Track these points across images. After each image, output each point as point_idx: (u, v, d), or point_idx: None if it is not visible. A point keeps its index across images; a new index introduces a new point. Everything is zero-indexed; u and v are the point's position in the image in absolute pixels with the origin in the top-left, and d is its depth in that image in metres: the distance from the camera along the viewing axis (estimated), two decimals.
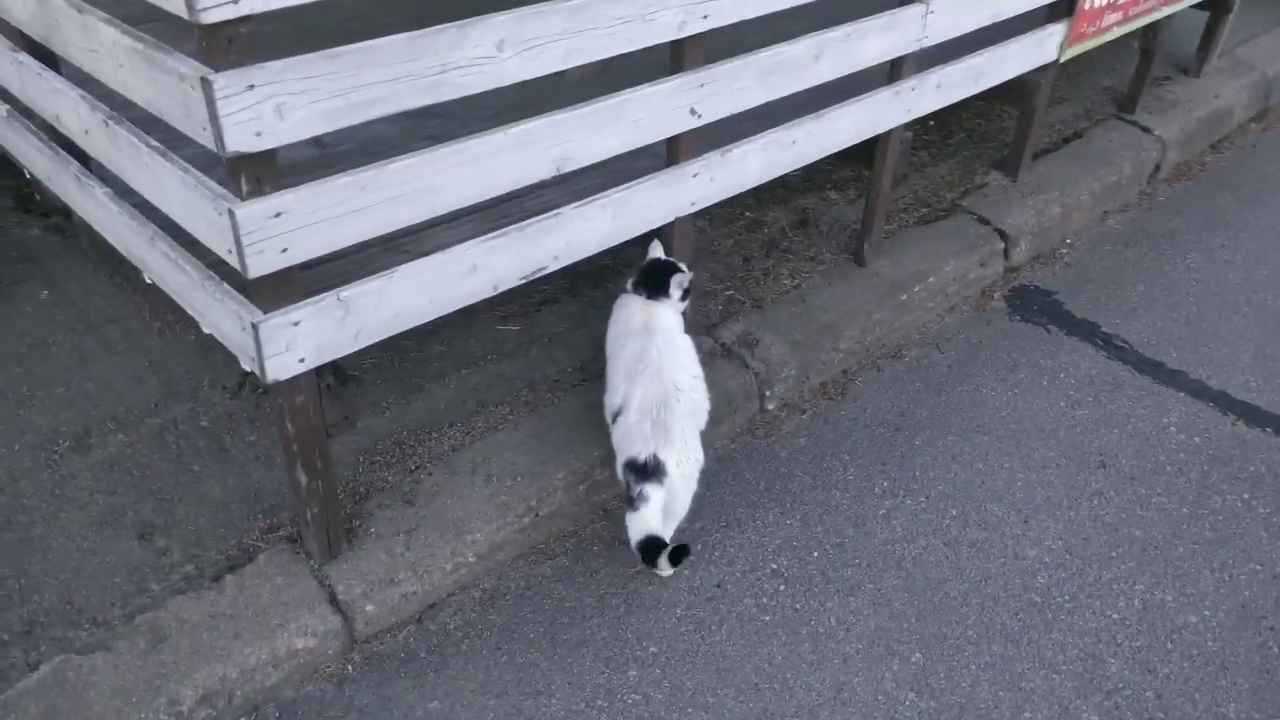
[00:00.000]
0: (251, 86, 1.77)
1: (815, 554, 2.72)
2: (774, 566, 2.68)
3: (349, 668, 2.35)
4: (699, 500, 2.66)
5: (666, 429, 2.44)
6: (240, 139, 1.79)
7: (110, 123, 2.19)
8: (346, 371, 2.46)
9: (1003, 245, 3.85)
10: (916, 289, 3.55)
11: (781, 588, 2.62)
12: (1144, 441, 3.15)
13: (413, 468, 2.65)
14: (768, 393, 3.17)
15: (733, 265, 3.52)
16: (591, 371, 3.02)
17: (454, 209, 2.19)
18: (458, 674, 2.36)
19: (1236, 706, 2.40)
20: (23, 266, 3.27)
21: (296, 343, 2.04)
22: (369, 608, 2.38)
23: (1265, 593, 2.67)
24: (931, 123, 4.48)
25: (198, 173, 1.98)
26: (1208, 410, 3.27)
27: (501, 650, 2.42)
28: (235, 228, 1.85)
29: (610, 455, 2.73)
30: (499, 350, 3.05)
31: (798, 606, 2.58)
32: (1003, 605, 2.62)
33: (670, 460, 2.42)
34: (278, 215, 1.90)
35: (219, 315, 2.09)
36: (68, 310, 3.07)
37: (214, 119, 1.75)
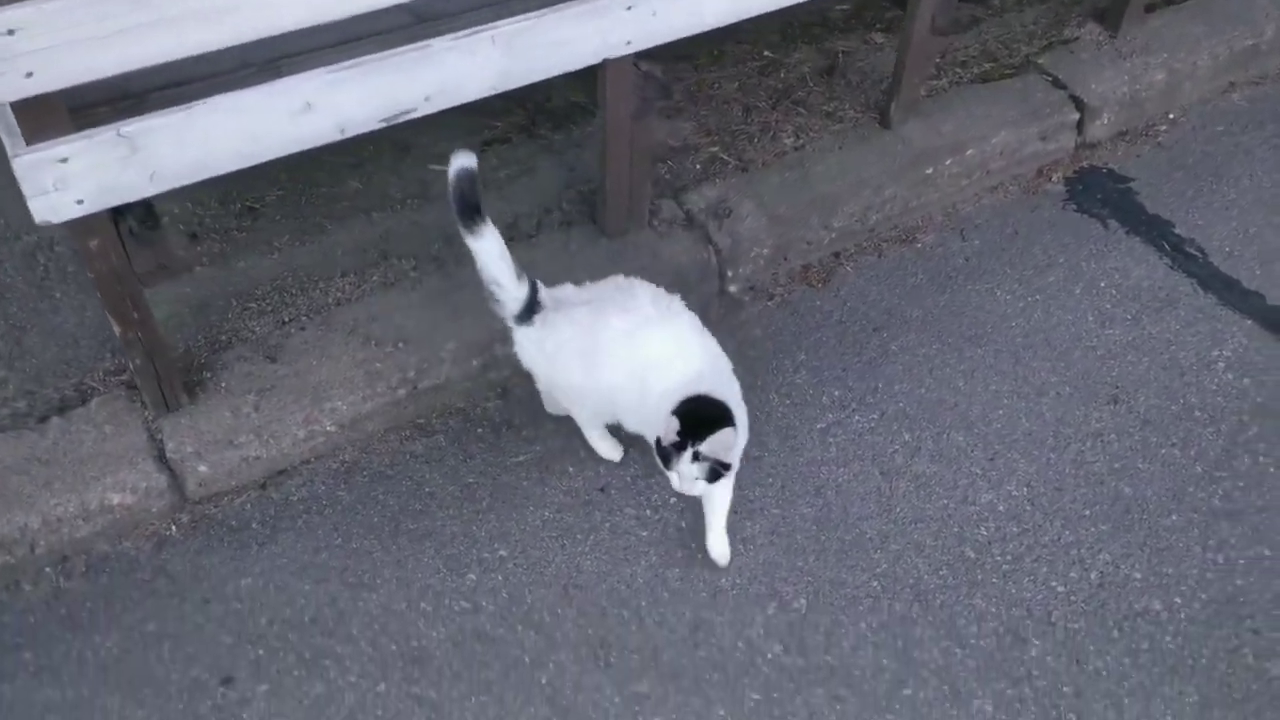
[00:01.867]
0: None
1: None
2: None
3: (174, 529, 2.23)
4: None
5: None
6: None
7: None
8: (159, 215, 2.22)
9: (1077, 116, 3.19)
10: (948, 161, 3.00)
11: (672, 500, 2.32)
12: (1178, 377, 2.61)
13: (285, 319, 2.43)
14: (730, 273, 2.77)
15: (729, 116, 3.04)
16: (522, 230, 2.68)
17: (270, 34, 1.86)
18: (283, 551, 2.20)
19: None
20: None
21: (68, 182, 1.79)
22: (202, 468, 2.23)
23: (1263, 586, 2.20)
24: None
25: None
26: (1275, 347, 2.68)
27: (339, 532, 2.24)
28: None
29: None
30: (423, 194, 2.74)
31: (682, 524, 2.28)
32: (926, 556, 2.24)
33: None
34: (11, 33, 1.62)
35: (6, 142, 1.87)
36: None
37: None
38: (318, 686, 2.00)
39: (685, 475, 1.99)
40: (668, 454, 1.99)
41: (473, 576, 2.18)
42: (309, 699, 1.98)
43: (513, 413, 2.48)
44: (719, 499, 2.20)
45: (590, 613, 2.13)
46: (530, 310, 2.13)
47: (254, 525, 2.24)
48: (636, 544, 2.24)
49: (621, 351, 2.09)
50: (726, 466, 2.01)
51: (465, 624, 2.10)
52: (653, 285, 2.19)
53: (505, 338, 2.47)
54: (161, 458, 2.20)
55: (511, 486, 2.34)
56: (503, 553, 2.22)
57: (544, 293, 2.16)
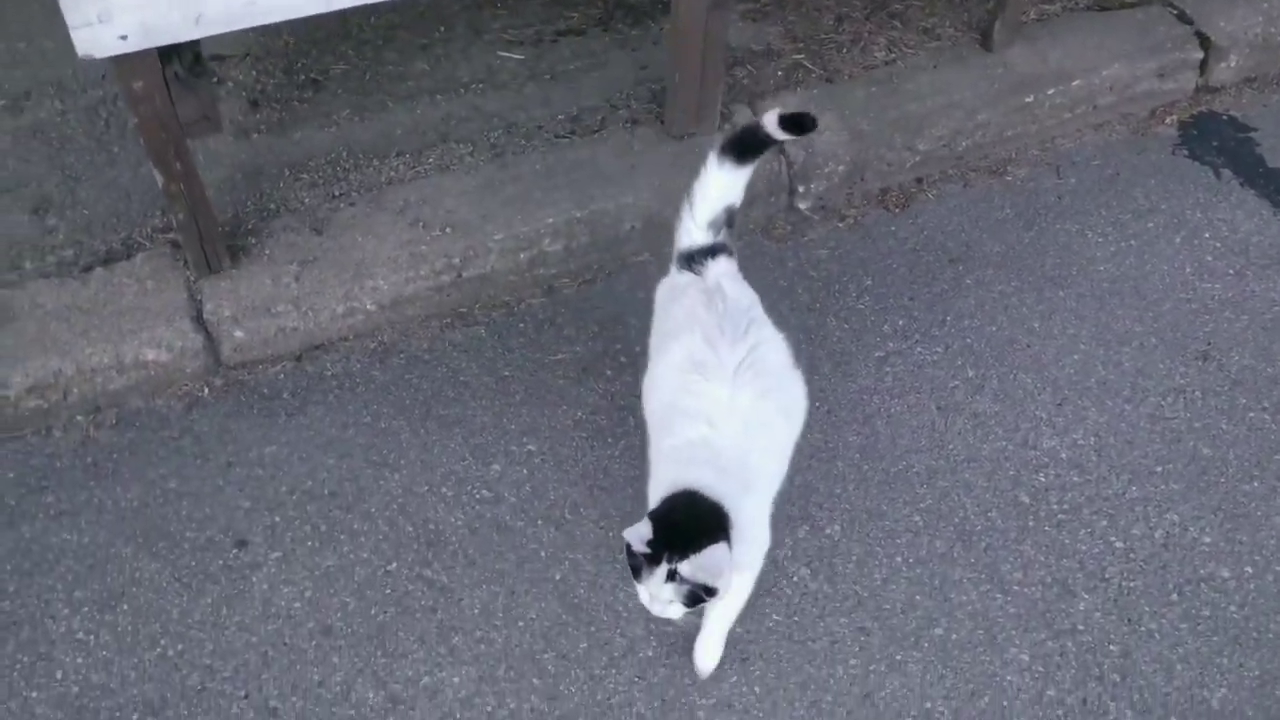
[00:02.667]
0: None
1: None
2: None
3: (206, 390, 2.22)
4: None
5: None
6: None
7: None
8: (206, 62, 2.18)
9: (1201, 55, 2.95)
10: (1050, 91, 2.80)
11: None
12: (1279, 339, 2.41)
13: (336, 194, 2.39)
14: (801, 188, 2.64)
15: (819, 24, 2.88)
16: (585, 125, 2.59)
17: None
18: (311, 424, 2.18)
19: (1227, 695, 1.86)
20: None
21: (112, 15, 1.76)
22: (238, 333, 2.21)
23: None
24: None
25: None
26: None
27: (368, 410, 2.21)
28: None
29: (565, 227, 2.38)
30: (490, 80, 2.66)
31: None
32: (975, 496, 2.12)
33: None
34: None
35: None
36: None
37: None
38: (330, 559, 1.98)
39: (657, 596, 1.59)
40: (637, 565, 1.58)
41: (498, 467, 2.14)
42: (319, 570, 1.97)
43: (556, 311, 2.41)
44: (723, 606, 1.81)
45: (613, 515, 2.07)
46: (690, 261, 1.89)
47: (285, 395, 2.23)
48: None
49: (670, 375, 1.80)
50: (712, 592, 1.57)
51: (485, 513, 2.06)
52: (779, 341, 1.83)
53: (555, 234, 2.42)
54: (199, 318, 2.19)
55: (547, 384, 2.28)
56: (531, 447, 2.17)
57: (719, 266, 1.87)
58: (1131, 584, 2.01)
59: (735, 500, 1.63)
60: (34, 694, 1.79)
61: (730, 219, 1.91)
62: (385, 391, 2.25)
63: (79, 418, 2.16)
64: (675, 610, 1.60)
